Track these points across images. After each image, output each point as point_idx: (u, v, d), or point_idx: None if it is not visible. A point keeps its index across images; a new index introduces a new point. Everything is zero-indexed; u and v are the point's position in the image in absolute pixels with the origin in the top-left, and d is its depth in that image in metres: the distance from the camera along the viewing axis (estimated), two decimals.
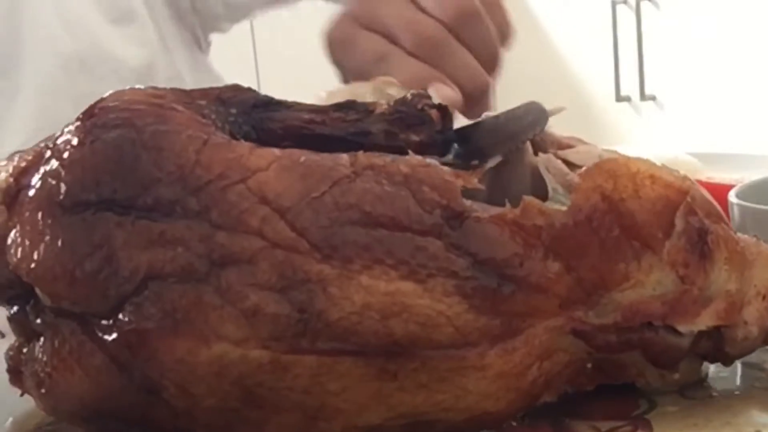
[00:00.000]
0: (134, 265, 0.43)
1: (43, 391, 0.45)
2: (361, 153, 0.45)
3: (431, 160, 0.46)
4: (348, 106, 0.49)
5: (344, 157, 0.45)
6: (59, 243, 0.43)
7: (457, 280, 0.43)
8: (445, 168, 0.46)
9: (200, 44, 1.03)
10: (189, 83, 0.94)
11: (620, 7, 2.87)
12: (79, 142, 0.45)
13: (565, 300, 0.45)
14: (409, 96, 0.50)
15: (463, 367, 0.44)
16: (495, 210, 0.45)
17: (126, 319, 0.43)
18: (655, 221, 0.46)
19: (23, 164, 0.46)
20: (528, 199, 0.45)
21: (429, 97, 0.49)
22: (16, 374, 0.47)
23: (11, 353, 0.47)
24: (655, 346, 0.47)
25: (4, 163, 0.47)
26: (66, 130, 0.46)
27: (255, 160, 0.44)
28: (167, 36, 0.98)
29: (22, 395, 0.48)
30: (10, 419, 0.51)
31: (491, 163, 0.49)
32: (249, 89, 0.48)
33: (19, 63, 0.89)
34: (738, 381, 0.51)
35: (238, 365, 0.43)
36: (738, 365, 0.52)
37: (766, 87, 2.55)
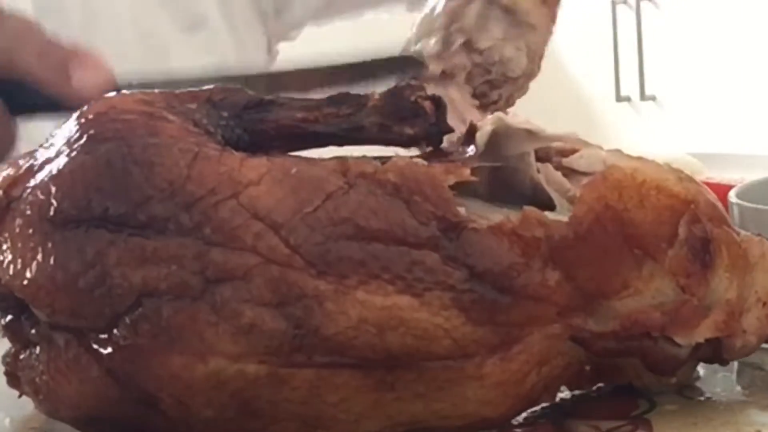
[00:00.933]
0: (128, 283, 0.43)
1: (40, 397, 0.47)
2: (351, 160, 0.46)
3: (419, 160, 0.46)
4: (341, 100, 0.49)
5: (335, 166, 0.45)
6: (51, 260, 0.44)
7: (454, 293, 0.44)
8: (437, 166, 0.46)
9: (271, 51, 1.04)
10: None
11: (620, 7, 2.88)
12: (69, 156, 0.45)
13: (563, 308, 0.46)
14: (400, 87, 0.50)
15: (462, 377, 0.45)
16: (493, 219, 0.45)
17: (121, 335, 0.44)
18: (659, 231, 0.46)
19: (13, 175, 0.47)
20: (527, 209, 0.46)
21: (422, 89, 0.49)
22: (13, 377, 0.49)
23: (8, 359, 0.48)
24: (654, 355, 0.48)
25: None
26: (54, 140, 0.47)
27: (246, 173, 0.44)
28: (246, 41, 0.98)
29: (20, 397, 0.48)
30: (8, 419, 0.51)
31: (483, 159, 0.49)
32: (239, 89, 0.49)
33: None
34: (738, 381, 0.51)
35: (235, 379, 0.44)
36: (738, 365, 0.52)
37: (766, 87, 2.55)
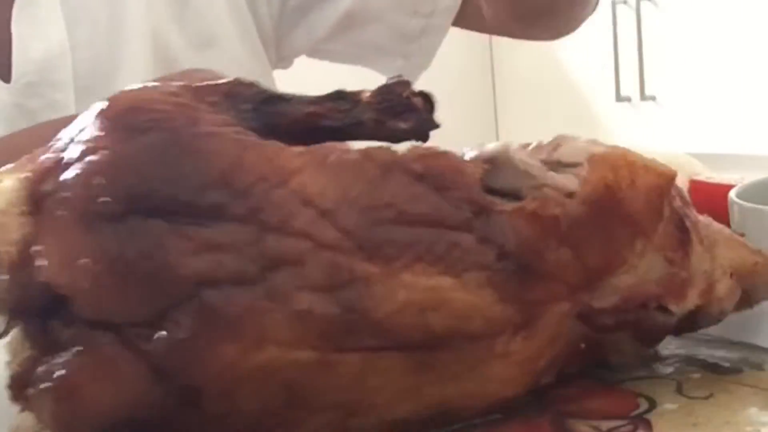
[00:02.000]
0: (186, 272, 0.44)
1: (63, 404, 0.45)
2: (370, 148, 0.47)
3: (435, 147, 0.49)
4: (338, 96, 0.51)
5: (359, 154, 0.47)
6: (105, 254, 0.43)
7: (489, 272, 0.47)
8: (454, 155, 0.49)
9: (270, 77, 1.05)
10: None
11: (620, 7, 2.89)
12: (108, 148, 0.45)
13: (572, 285, 0.49)
14: (391, 83, 0.51)
15: (491, 356, 0.48)
16: (515, 204, 0.48)
17: (173, 327, 0.44)
18: (648, 208, 0.50)
19: (38, 171, 0.46)
20: (548, 190, 0.49)
21: (409, 85, 0.51)
22: (19, 390, 0.47)
23: (18, 368, 0.47)
24: (646, 325, 0.52)
25: (11, 166, 0.47)
26: (74, 135, 0.46)
27: (289, 159, 0.46)
28: (254, 65, 0.99)
29: (22, 411, 0.48)
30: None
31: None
32: (251, 84, 0.50)
33: (119, 73, 0.92)
34: (738, 381, 0.52)
35: (286, 367, 0.45)
36: (738, 365, 0.52)
37: (766, 87, 2.55)
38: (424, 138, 0.52)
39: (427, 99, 0.51)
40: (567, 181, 0.51)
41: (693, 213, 0.53)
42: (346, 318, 0.44)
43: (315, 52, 1.08)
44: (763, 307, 0.55)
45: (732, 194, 0.61)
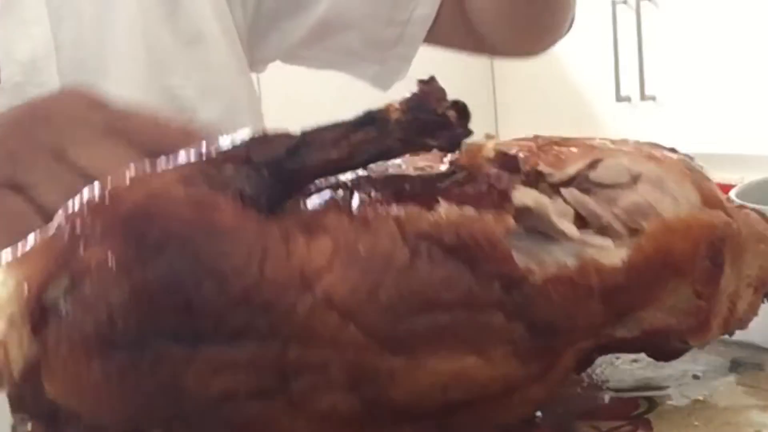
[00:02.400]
0: (206, 394, 0.42)
1: None
2: (404, 217, 0.45)
3: (468, 210, 0.46)
4: (366, 122, 0.47)
5: (391, 227, 0.44)
6: (118, 383, 0.42)
7: (515, 346, 0.46)
8: (486, 218, 0.46)
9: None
10: (244, 106, 0.98)
11: (620, 7, 2.86)
12: (123, 264, 0.42)
13: (598, 326, 0.48)
14: (423, 93, 0.47)
15: (509, 407, 0.48)
16: (550, 268, 0.46)
17: None
18: (693, 254, 0.49)
19: (42, 274, 0.43)
20: (587, 258, 0.47)
21: (444, 96, 0.47)
22: None
23: None
24: (666, 350, 0.52)
25: (7, 263, 0.44)
26: (84, 225, 0.43)
27: (315, 258, 0.43)
28: (240, 61, 1.00)
29: None
30: None
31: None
32: (269, 139, 0.46)
33: (107, 73, 0.93)
34: (738, 381, 0.52)
35: None
36: (738, 365, 0.52)
37: (766, 87, 2.55)
38: (454, 149, 0.49)
39: (460, 111, 0.47)
40: (604, 242, 0.48)
41: (728, 224, 0.50)
42: (369, 410, 0.44)
43: (289, 58, 1.07)
44: (763, 307, 0.55)
45: (732, 194, 0.61)
